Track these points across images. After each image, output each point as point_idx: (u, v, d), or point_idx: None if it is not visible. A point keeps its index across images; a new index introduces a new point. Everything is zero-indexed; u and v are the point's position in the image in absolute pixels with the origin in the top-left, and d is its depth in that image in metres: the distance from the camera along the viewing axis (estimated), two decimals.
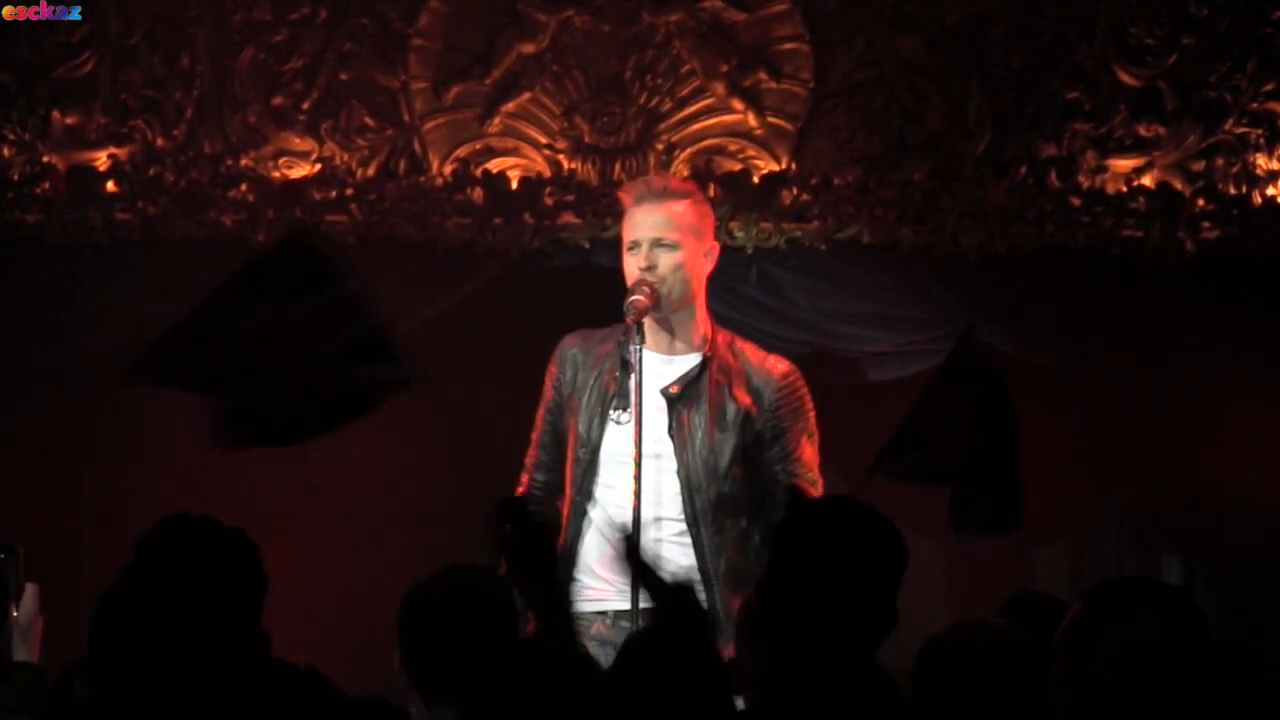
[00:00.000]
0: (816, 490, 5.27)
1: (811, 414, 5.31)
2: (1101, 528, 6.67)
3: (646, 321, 5.21)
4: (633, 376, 5.16)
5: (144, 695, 2.29)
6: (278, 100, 6.36)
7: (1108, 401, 6.50)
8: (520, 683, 3.09)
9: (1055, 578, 6.46)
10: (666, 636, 3.42)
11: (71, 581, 5.75)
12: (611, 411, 5.24)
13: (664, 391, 5.17)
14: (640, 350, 5.15)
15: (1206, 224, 6.30)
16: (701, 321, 5.26)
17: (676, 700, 3.21)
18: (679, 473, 5.16)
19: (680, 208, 5.23)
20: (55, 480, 6.41)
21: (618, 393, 5.23)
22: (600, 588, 5.21)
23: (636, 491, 5.11)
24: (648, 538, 5.12)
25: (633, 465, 5.13)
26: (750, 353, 5.32)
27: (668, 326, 5.22)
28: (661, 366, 5.20)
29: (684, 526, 5.17)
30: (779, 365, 5.31)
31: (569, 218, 6.24)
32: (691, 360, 5.22)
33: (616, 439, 5.22)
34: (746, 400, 5.21)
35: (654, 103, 6.37)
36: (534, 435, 5.39)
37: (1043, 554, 6.63)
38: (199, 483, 6.15)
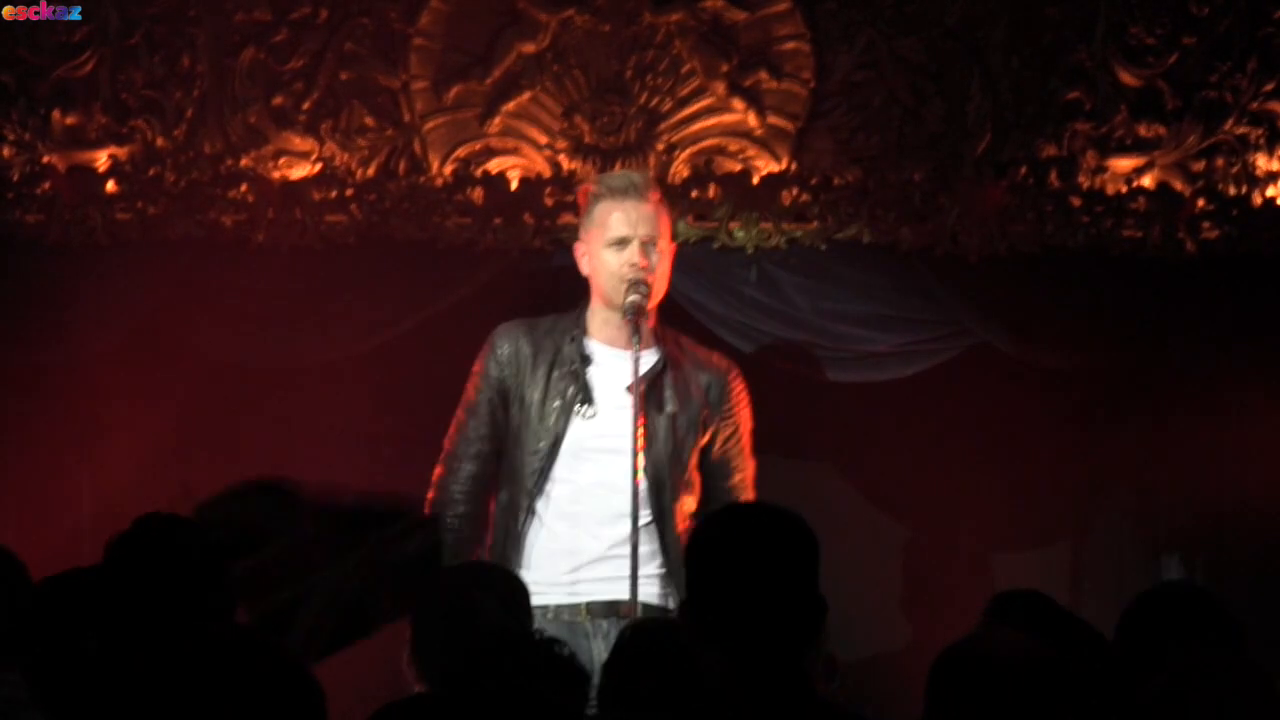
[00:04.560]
0: (748, 489, 5.41)
1: (749, 410, 5.46)
2: (1101, 527, 6.67)
3: (603, 316, 5.30)
4: (593, 371, 5.26)
5: (118, 692, 2.31)
6: (278, 100, 6.36)
7: (1108, 401, 6.50)
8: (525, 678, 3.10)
9: (1055, 578, 6.46)
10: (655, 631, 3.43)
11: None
12: (577, 405, 5.27)
13: (630, 389, 5.20)
14: (593, 344, 5.29)
15: (1206, 224, 6.30)
16: (654, 319, 5.36)
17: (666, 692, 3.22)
18: (645, 468, 5.18)
19: (659, 206, 5.36)
20: (54, 480, 6.41)
21: (580, 387, 5.27)
22: (542, 584, 5.20)
23: (634, 487, 5.12)
24: (616, 532, 5.14)
25: (606, 459, 5.19)
26: (696, 349, 5.47)
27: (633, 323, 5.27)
28: (620, 362, 5.24)
29: (650, 519, 5.20)
30: (724, 360, 5.48)
31: (569, 218, 6.22)
32: (650, 357, 5.27)
33: (579, 433, 5.26)
34: (700, 393, 5.30)
35: (654, 102, 6.36)
36: (460, 423, 5.39)
37: (1042, 554, 6.63)
38: (197, 483, 6.16)
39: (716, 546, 3.40)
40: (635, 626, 3.50)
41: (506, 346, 5.36)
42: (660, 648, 3.33)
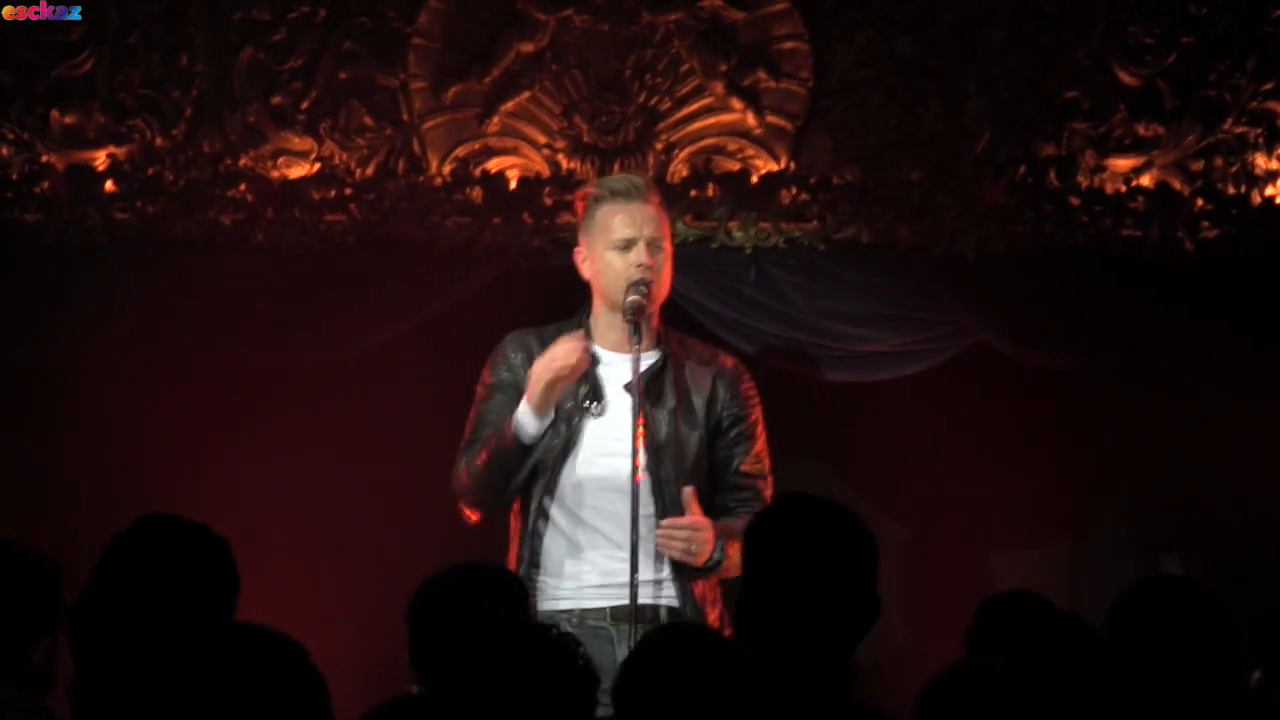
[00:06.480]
0: (767, 485, 5.36)
1: (760, 407, 5.41)
2: (1100, 527, 6.67)
3: (607, 321, 5.30)
4: (602, 371, 5.24)
5: (121, 692, 2.31)
6: (277, 99, 6.35)
7: (1106, 401, 6.50)
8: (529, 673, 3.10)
9: (1052, 577, 6.46)
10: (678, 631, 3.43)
11: (69, 582, 5.74)
12: (586, 403, 5.26)
13: (628, 387, 5.19)
14: (607, 349, 5.27)
15: (1205, 223, 6.30)
16: (658, 319, 5.35)
17: (690, 694, 3.21)
18: (648, 466, 5.18)
19: (660, 209, 5.36)
20: (53, 480, 6.41)
21: (590, 385, 5.27)
22: (565, 587, 5.20)
23: (634, 485, 5.12)
24: (629, 536, 5.12)
25: (611, 462, 5.18)
26: (700, 347, 5.46)
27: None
28: (623, 365, 5.23)
29: (654, 519, 5.19)
30: (729, 358, 5.46)
31: (568, 217, 6.22)
32: (651, 356, 5.27)
33: (585, 436, 5.24)
34: (706, 391, 5.29)
35: (653, 102, 6.36)
36: (475, 415, 5.36)
37: (1039, 554, 6.64)
38: (196, 483, 6.16)
39: (779, 537, 3.38)
40: (662, 629, 3.50)
41: (519, 352, 5.36)
42: (679, 649, 3.34)
